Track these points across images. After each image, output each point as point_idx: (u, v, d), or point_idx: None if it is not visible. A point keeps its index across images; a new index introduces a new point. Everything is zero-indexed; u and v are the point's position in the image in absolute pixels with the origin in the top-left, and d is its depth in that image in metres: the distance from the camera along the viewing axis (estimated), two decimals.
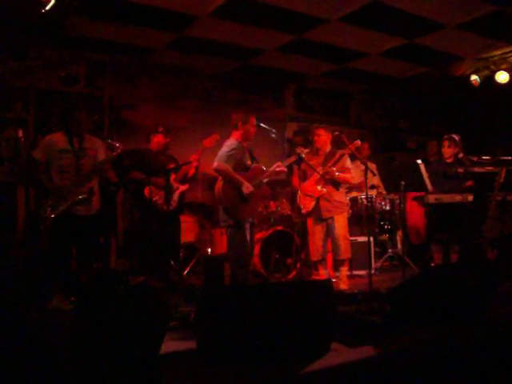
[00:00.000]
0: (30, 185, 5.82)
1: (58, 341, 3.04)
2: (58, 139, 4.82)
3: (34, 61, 6.43)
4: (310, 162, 5.49)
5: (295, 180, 6.03)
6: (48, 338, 3.04)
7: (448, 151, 6.17)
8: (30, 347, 2.49)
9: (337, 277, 5.70)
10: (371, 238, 6.25)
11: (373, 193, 6.99)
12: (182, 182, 5.92)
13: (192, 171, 5.93)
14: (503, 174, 5.64)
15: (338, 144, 5.79)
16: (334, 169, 5.55)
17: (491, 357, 3.08)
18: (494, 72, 7.56)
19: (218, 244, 6.60)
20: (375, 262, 6.78)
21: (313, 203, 5.63)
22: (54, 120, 6.40)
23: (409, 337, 3.41)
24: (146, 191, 5.60)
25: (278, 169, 5.07)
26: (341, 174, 5.61)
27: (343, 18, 5.94)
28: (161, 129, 5.99)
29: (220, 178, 4.91)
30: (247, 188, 4.85)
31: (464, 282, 3.81)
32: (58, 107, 6.36)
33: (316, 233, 5.71)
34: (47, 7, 4.55)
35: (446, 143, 6.17)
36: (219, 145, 5.15)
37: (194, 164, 5.82)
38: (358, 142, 5.62)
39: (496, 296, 4.02)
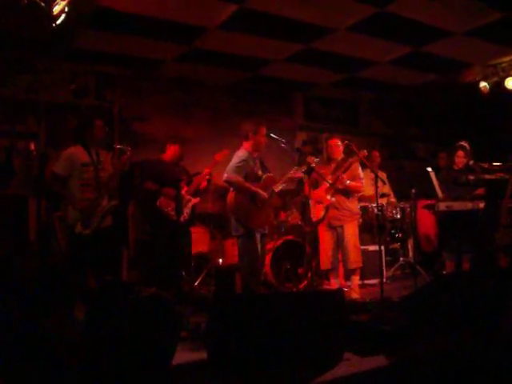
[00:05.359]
0: (42, 197, 5.85)
1: (69, 350, 3.04)
2: (79, 153, 4.70)
3: (45, 74, 6.50)
4: (321, 171, 5.49)
5: (306, 188, 6.03)
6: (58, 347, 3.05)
7: (462, 161, 6.14)
8: (43, 356, 2.50)
9: (348, 286, 5.68)
10: (382, 247, 6.25)
11: (383, 201, 6.97)
12: (194, 195, 5.93)
13: (204, 184, 5.95)
14: None
15: (347, 153, 5.78)
16: (345, 176, 5.54)
17: (506, 365, 3.04)
18: (503, 78, 7.54)
19: (229, 254, 6.60)
20: (387, 270, 6.74)
21: (323, 211, 5.61)
22: (64, 132, 6.45)
23: (422, 345, 3.39)
24: (158, 202, 5.62)
25: (295, 175, 5.09)
26: (351, 183, 5.60)
27: (351, 27, 5.97)
28: (179, 139, 6.02)
29: (232, 188, 4.93)
30: (262, 196, 4.87)
31: (477, 290, 3.78)
32: (69, 120, 6.40)
33: (326, 241, 5.68)
34: (58, 21, 4.59)
35: (461, 153, 6.13)
36: (230, 156, 5.18)
37: (206, 177, 5.84)
38: (365, 151, 5.56)
39: (509, 303, 3.97)
